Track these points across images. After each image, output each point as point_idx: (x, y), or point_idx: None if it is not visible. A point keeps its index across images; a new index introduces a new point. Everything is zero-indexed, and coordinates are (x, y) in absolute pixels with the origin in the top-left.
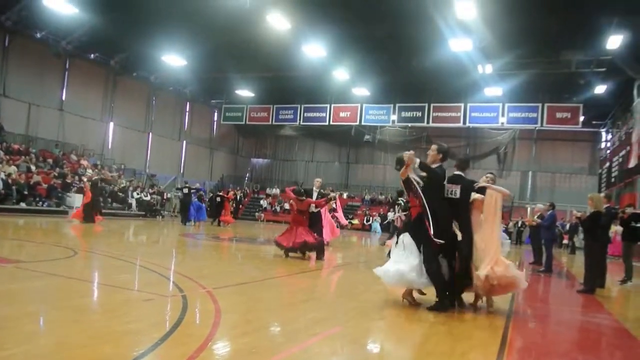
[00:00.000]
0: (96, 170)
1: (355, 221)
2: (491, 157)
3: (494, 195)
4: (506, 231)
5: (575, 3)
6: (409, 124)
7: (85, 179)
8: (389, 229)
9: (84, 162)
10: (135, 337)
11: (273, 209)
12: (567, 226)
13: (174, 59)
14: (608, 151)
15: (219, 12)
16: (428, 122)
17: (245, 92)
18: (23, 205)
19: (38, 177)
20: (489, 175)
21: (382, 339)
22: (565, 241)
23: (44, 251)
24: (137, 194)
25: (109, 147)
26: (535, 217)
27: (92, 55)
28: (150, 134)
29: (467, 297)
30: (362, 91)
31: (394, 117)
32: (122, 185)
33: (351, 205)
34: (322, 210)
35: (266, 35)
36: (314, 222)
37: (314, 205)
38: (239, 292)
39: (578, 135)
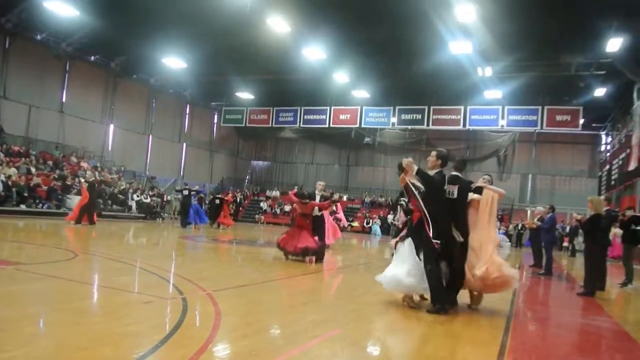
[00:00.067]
0: (96, 172)
1: (355, 223)
2: (491, 159)
3: (490, 194)
4: (506, 234)
5: (575, 6)
6: (409, 127)
7: (82, 180)
8: (389, 232)
9: (84, 164)
10: (135, 340)
11: (273, 211)
12: (567, 229)
13: (174, 62)
14: (608, 154)
15: (219, 15)
16: (428, 125)
17: (245, 95)
18: (23, 207)
19: (38, 179)
20: (485, 177)
21: (382, 341)
22: (565, 244)
23: (44, 253)
24: (137, 196)
25: (109, 149)
26: (535, 219)
27: (92, 58)
28: (151, 136)
29: (463, 297)
30: (362, 94)
31: (394, 119)
32: (122, 188)
33: (351, 208)
34: (324, 213)
35: (266, 38)
36: (318, 226)
37: (317, 208)
38: (239, 295)
39: (578, 138)
